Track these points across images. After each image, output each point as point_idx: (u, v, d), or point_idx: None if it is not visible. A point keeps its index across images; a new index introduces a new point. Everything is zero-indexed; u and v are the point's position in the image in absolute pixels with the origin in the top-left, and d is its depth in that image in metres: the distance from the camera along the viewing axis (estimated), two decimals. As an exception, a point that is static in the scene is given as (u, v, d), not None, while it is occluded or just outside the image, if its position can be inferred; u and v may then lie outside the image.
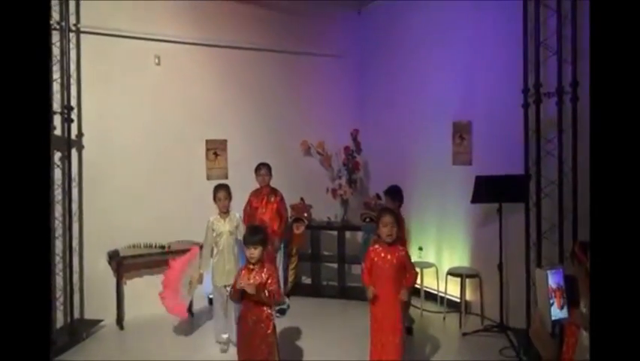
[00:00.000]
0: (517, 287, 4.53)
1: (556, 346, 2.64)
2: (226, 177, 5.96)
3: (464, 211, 5.32)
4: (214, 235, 4.48)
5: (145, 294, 5.25)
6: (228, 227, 4.50)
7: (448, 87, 5.59)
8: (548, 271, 2.21)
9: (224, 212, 4.51)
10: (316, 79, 6.61)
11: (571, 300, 2.47)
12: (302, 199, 6.09)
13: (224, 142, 6.03)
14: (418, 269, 5.15)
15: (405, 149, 6.22)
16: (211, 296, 4.90)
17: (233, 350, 4.04)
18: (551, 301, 2.24)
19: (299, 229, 5.96)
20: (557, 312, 2.23)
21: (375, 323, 3.57)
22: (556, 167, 4.16)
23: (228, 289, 3.98)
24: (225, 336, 4.53)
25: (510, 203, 4.51)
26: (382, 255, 3.53)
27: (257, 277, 3.38)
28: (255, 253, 3.39)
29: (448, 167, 5.57)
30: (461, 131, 5.45)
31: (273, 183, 5.52)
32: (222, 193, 4.50)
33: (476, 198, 4.59)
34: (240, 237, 4.30)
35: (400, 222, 3.87)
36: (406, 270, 3.60)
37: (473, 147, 5.32)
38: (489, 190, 4.51)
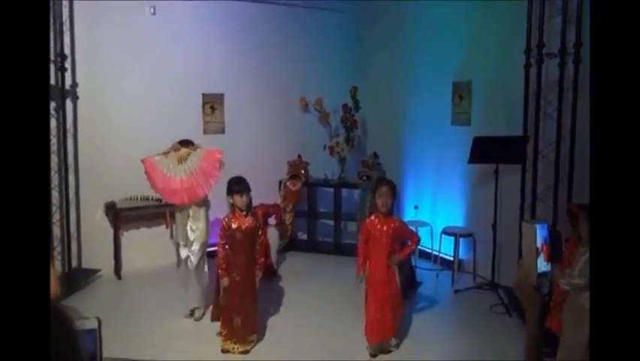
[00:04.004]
0: (509, 247, 4.61)
1: (540, 298, 2.70)
2: (223, 132, 5.94)
3: (461, 171, 5.34)
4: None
5: (142, 245, 5.32)
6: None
7: (449, 46, 5.49)
8: (536, 225, 2.24)
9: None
10: (315, 34, 6.46)
11: (555, 255, 2.52)
12: (299, 156, 6.09)
13: (220, 96, 5.96)
14: (413, 227, 5.28)
15: (403, 107, 6.17)
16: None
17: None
18: (538, 255, 2.28)
19: (295, 186, 5.99)
20: (543, 265, 2.28)
21: (371, 296, 3.61)
22: (555, 129, 4.15)
23: (190, 252, 4.05)
24: (194, 307, 4.21)
25: (507, 164, 4.52)
26: (378, 226, 3.59)
27: (249, 221, 3.66)
28: (246, 200, 3.65)
29: (446, 127, 5.55)
30: (461, 91, 5.40)
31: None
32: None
33: (473, 159, 4.60)
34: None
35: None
36: (405, 238, 3.71)
37: (473, 107, 5.28)
38: (486, 151, 4.52)
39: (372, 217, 3.66)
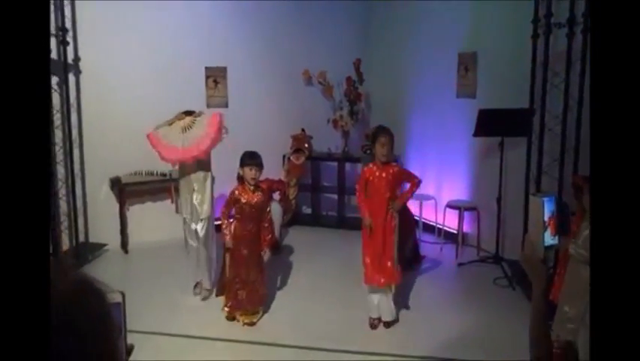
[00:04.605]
0: (514, 220, 4.60)
1: (546, 272, 2.71)
2: (226, 106, 5.88)
3: (466, 144, 5.30)
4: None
5: (147, 220, 5.35)
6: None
7: (454, 16, 5.38)
8: (544, 198, 2.23)
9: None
10: (319, 6, 6.33)
11: (562, 227, 2.52)
12: (303, 130, 6.05)
13: (223, 70, 5.89)
14: (417, 201, 5.29)
15: (408, 80, 6.10)
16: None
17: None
18: (545, 228, 2.27)
19: (299, 160, 5.96)
20: (550, 239, 2.28)
21: (370, 244, 3.66)
22: (562, 101, 4.09)
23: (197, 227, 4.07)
24: (199, 283, 4.22)
25: (513, 137, 4.48)
26: (377, 173, 3.62)
27: (258, 196, 3.68)
28: (255, 174, 3.65)
29: (451, 99, 5.48)
30: (466, 63, 5.31)
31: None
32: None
33: (479, 132, 4.55)
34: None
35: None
36: (406, 181, 3.76)
37: (478, 79, 5.21)
38: (492, 124, 4.47)
39: (371, 165, 3.70)
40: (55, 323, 0.74)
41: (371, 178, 3.63)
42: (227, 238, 3.71)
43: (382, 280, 3.64)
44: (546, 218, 2.10)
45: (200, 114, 4.14)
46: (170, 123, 4.08)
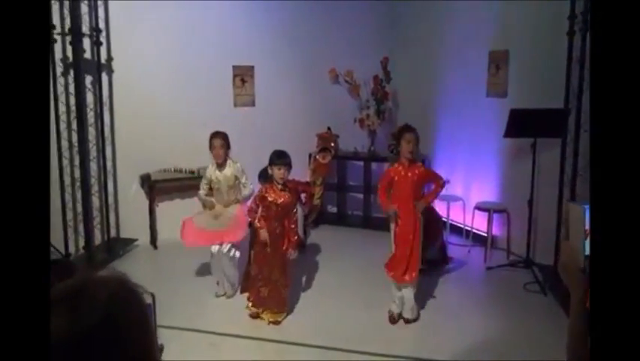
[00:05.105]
0: (546, 224, 4.47)
1: (585, 280, 2.62)
2: (253, 104, 5.90)
3: (496, 145, 5.17)
4: (209, 184, 4.19)
5: (175, 217, 5.38)
6: (227, 175, 4.11)
7: (485, 13, 5.24)
8: (585, 206, 2.15)
9: (220, 163, 4.09)
10: (347, 4, 6.27)
11: None
12: (329, 128, 6.01)
13: (251, 68, 5.89)
14: (444, 202, 5.20)
15: (436, 79, 5.99)
16: None
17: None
18: (586, 237, 2.19)
19: (325, 159, 5.93)
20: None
21: (398, 240, 3.68)
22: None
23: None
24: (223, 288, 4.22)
25: (546, 138, 4.35)
26: (402, 173, 3.62)
27: (286, 197, 3.67)
28: (283, 173, 3.63)
29: (481, 98, 5.36)
30: (497, 61, 5.18)
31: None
32: (218, 141, 4.05)
33: (510, 132, 4.43)
34: (244, 188, 4.12)
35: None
36: (431, 182, 3.76)
37: (510, 78, 5.07)
38: (524, 124, 4.34)
39: (396, 165, 3.69)
40: (97, 323, 0.75)
41: (396, 178, 3.63)
42: (261, 228, 3.69)
43: (406, 278, 3.64)
44: (587, 227, 2.02)
45: (230, 205, 4.17)
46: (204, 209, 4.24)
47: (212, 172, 4.15)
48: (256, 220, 3.73)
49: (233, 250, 4.11)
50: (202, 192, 4.25)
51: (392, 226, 3.73)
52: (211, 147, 4.09)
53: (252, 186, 4.16)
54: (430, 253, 4.34)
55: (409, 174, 3.59)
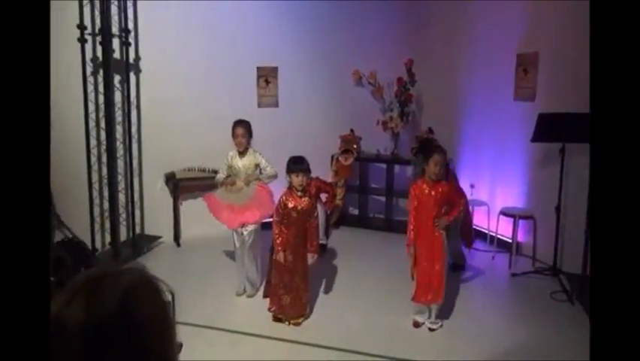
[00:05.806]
0: (574, 231, 4.36)
1: None
2: (277, 105, 5.91)
3: (522, 150, 5.07)
4: (229, 170, 4.22)
5: (199, 215, 5.42)
6: (246, 163, 4.15)
7: (513, 15, 5.15)
8: None
9: (241, 151, 4.14)
10: (371, 5, 6.24)
11: None
12: (352, 130, 5.97)
13: (275, 69, 5.90)
14: (470, 207, 5.11)
15: (462, 81, 5.91)
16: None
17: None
18: None
19: (347, 161, 5.90)
20: None
21: (420, 258, 3.61)
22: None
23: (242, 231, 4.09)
24: (244, 286, 4.22)
25: (575, 143, 4.24)
26: (426, 191, 3.58)
27: (305, 202, 3.64)
28: (302, 179, 3.60)
29: (508, 102, 5.26)
30: (525, 64, 5.08)
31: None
32: (240, 130, 4.11)
33: (537, 137, 4.33)
34: (263, 178, 4.14)
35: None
36: (453, 201, 3.68)
37: (538, 81, 4.97)
38: (553, 129, 4.23)
39: (420, 182, 3.65)
40: (113, 311, 0.78)
41: (420, 196, 3.59)
42: (279, 251, 3.68)
43: (429, 298, 3.61)
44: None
45: (249, 183, 4.16)
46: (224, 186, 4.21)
47: (232, 158, 4.18)
48: (276, 237, 3.70)
49: (252, 235, 4.08)
50: (221, 175, 4.26)
51: (409, 251, 3.66)
52: (234, 134, 4.13)
53: (275, 168, 4.13)
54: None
55: (433, 193, 3.56)
